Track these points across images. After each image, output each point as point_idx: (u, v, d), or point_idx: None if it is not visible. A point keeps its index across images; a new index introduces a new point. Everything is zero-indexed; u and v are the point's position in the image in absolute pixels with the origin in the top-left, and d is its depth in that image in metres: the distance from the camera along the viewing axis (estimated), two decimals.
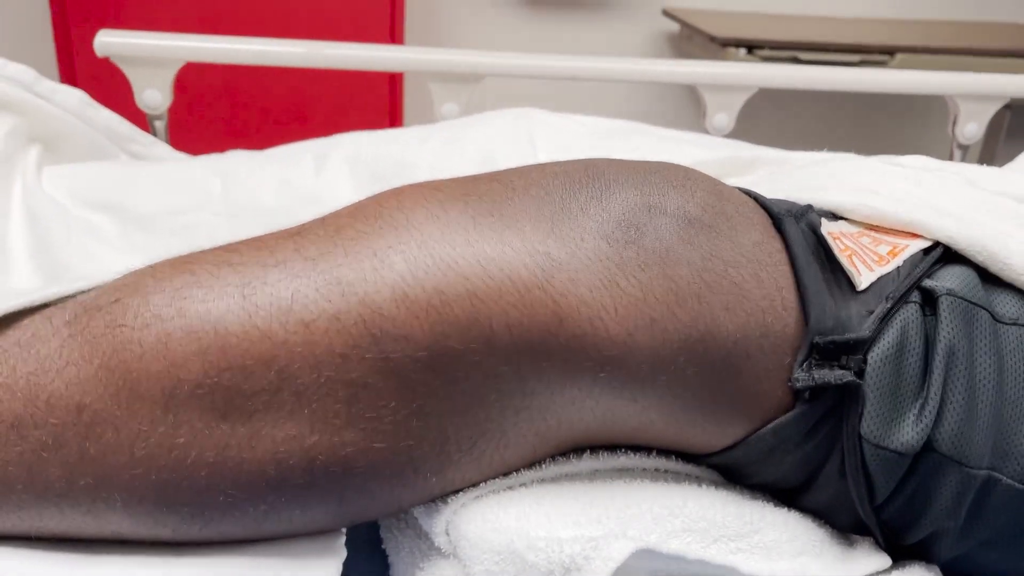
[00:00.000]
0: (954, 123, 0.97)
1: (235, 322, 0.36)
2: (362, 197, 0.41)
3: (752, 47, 1.62)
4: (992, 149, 1.90)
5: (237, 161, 0.74)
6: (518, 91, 1.18)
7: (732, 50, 1.62)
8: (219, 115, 1.35)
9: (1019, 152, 0.75)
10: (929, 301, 0.41)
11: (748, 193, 0.44)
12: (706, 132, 0.95)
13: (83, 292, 0.40)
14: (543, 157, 0.68)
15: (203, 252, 0.39)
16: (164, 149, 0.85)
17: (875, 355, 0.39)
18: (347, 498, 0.38)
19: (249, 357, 0.36)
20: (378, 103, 1.56)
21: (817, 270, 0.41)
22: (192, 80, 1.04)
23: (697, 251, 0.39)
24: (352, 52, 0.85)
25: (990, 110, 0.97)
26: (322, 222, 0.40)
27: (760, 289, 0.39)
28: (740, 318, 0.39)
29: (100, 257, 0.67)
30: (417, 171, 0.69)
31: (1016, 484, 0.40)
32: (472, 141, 0.71)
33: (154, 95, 0.86)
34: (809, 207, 0.44)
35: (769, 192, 0.48)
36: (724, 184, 0.43)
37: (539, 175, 0.41)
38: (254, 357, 0.36)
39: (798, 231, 0.42)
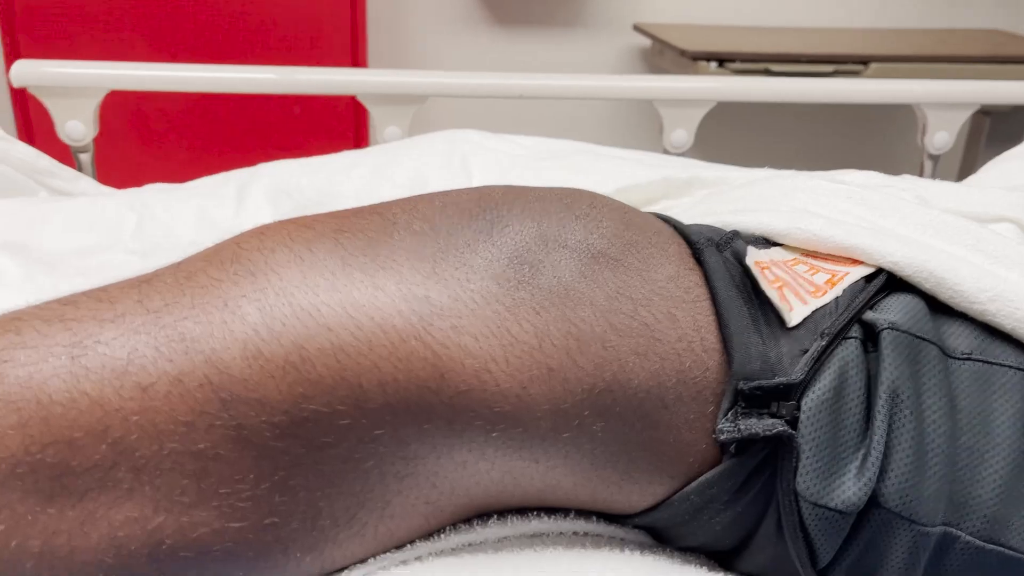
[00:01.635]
0: (923, 132, 0.93)
1: (60, 388, 0.31)
2: None
3: (723, 60, 1.58)
4: (973, 157, 1.86)
5: (154, 195, 0.70)
6: (472, 113, 1.14)
7: (703, 64, 1.59)
8: (152, 146, 1.31)
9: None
10: (871, 336, 0.36)
11: (666, 220, 0.40)
12: (664, 150, 0.91)
13: None
14: (478, 182, 0.64)
15: (38, 306, 0.34)
16: (88, 184, 0.81)
17: (810, 400, 0.35)
18: None
19: (77, 428, 0.31)
20: (341, 130, 1.52)
21: (741, 305, 0.36)
22: (122, 109, 1.00)
23: (602, 289, 0.34)
24: (280, 77, 0.81)
25: (960, 118, 0.93)
26: (176, 267, 0.35)
27: (676, 330, 0.35)
28: (653, 364, 0.34)
29: (2, 301, 0.62)
30: (343, 200, 0.64)
31: (976, 541, 0.35)
32: (403, 167, 0.67)
33: (76, 126, 0.81)
34: (735, 233, 0.39)
35: (701, 217, 0.44)
36: (636, 211, 0.38)
37: (426, 207, 0.36)
38: (83, 428, 0.31)
39: (719, 262, 0.37)
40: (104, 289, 0.35)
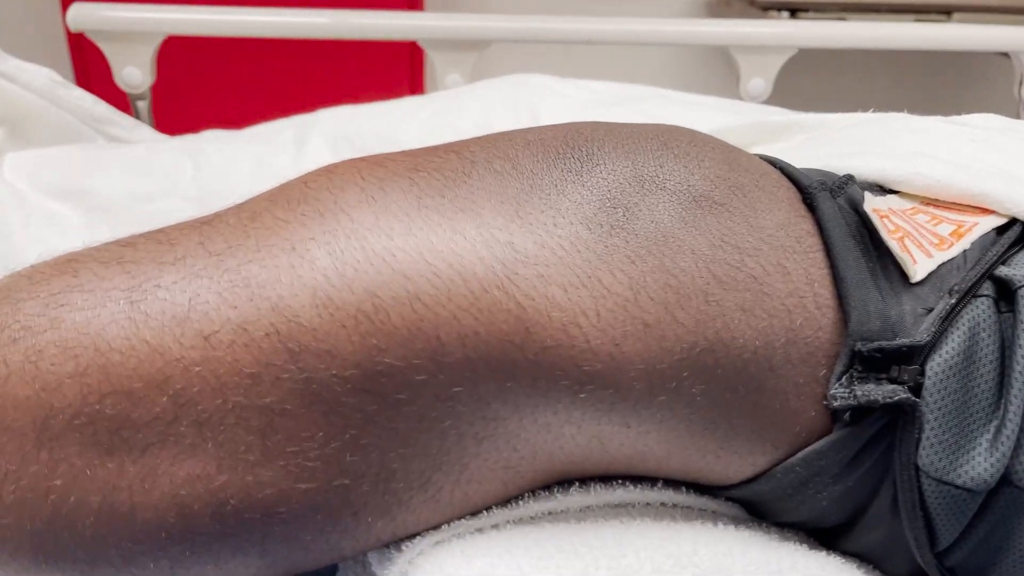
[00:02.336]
0: (1020, 83, 0.86)
1: (119, 335, 0.29)
2: None
3: (796, 9, 1.50)
4: None
5: (211, 142, 0.68)
6: (531, 60, 1.10)
7: (774, 14, 1.51)
8: (210, 94, 1.29)
9: None
10: (1005, 294, 0.32)
11: (771, 162, 0.36)
12: (740, 99, 0.85)
13: None
14: None
15: (96, 247, 0.32)
16: (147, 132, 0.79)
17: (935, 365, 0.31)
18: (271, 549, 0.31)
19: (137, 378, 0.29)
20: (396, 78, 1.48)
21: (859, 257, 0.32)
22: (179, 56, 0.98)
23: (704, 236, 0.31)
24: (338, 21, 0.78)
25: None
26: (239, 208, 0.32)
27: (786, 284, 0.31)
28: (761, 321, 0.31)
29: (61, 249, 0.61)
30: (405, 146, 0.61)
31: None
32: (466, 112, 0.63)
33: (134, 73, 0.80)
34: (849, 178, 0.35)
35: (802, 161, 0.40)
36: (739, 151, 0.35)
37: (507, 144, 0.33)
38: (143, 378, 0.29)
39: (834, 208, 0.33)
40: (164, 231, 0.32)
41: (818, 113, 0.49)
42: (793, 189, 0.34)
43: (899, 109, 0.49)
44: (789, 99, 0.85)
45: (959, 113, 0.44)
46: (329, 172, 0.32)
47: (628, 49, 1.45)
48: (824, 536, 0.36)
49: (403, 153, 0.34)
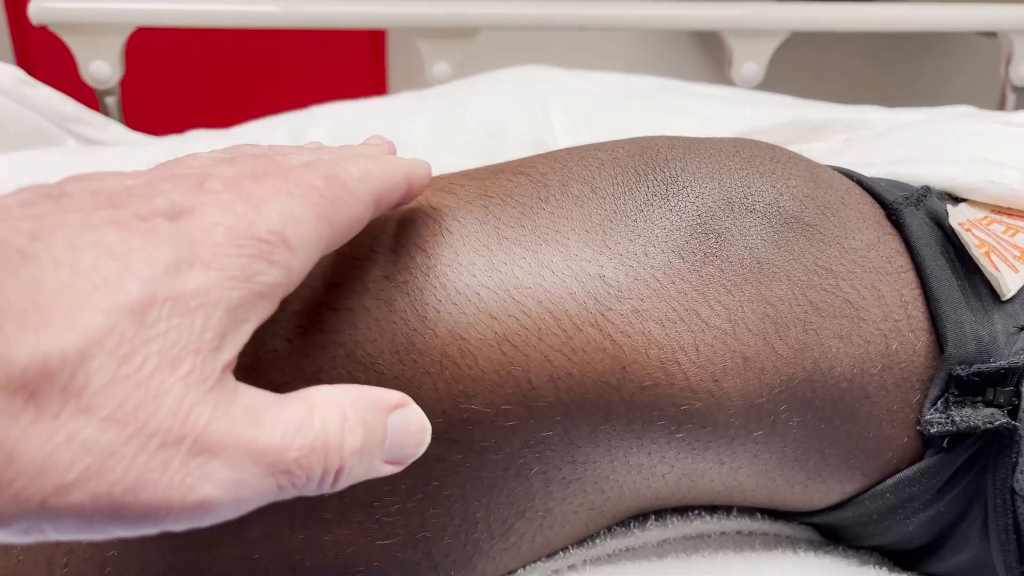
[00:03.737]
0: (1007, 62, 0.86)
1: None
2: None
3: None
4: None
5: (199, 143, 0.64)
6: (517, 47, 1.07)
7: None
8: (180, 87, 1.23)
9: None
10: None
11: (848, 174, 0.34)
12: (732, 84, 0.84)
13: None
14: (558, 126, 0.58)
15: None
16: (119, 130, 0.74)
17: None
18: None
19: None
20: (359, 68, 1.43)
21: (950, 275, 0.31)
22: (147, 48, 0.92)
23: (799, 261, 0.29)
24: (317, 10, 0.74)
25: None
26: None
27: (881, 307, 0.30)
28: (857, 348, 0.29)
29: None
30: (410, 148, 0.58)
31: None
32: (473, 109, 0.61)
33: (101, 67, 0.75)
34: (927, 190, 0.34)
35: (856, 167, 0.38)
36: (820, 166, 0.33)
37: (579, 164, 0.31)
38: None
39: (921, 224, 0.32)
40: None
41: (854, 109, 0.47)
42: (876, 205, 0.32)
43: (892, 90, 0.49)
44: (781, 83, 0.84)
45: (949, 93, 0.44)
46: None
47: (613, 34, 1.43)
48: (903, 558, 0.35)
49: (465, 175, 0.31)
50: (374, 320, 0.27)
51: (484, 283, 0.27)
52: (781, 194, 0.30)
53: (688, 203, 0.29)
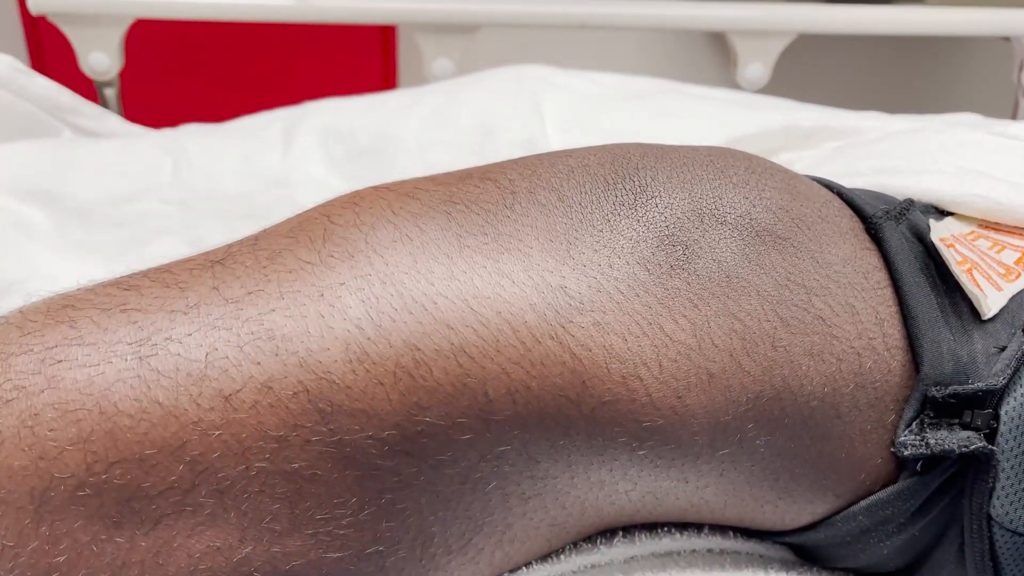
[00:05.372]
0: (1020, 68, 0.85)
1: (127, 395, 0.26)
2: (335, 179, 0.31)
3: None
4: None
5: (191, 137, 0.63)
6: (520, 44, 1.06)
7: None
8: (181, 80, 1.23)
9: None
10: None
11: (828, 185, 0.33)
12: (737, 87, 0.83)
13: None
14: (552, 127, 0.57)
15: (91, 289, 0.29)
16: (116, 121, 0.74)
17: (1011, 409, 0.29)
18: None
19: (149, 444, 0.25)
20: (369, 65, 1.42)
21: (929, 293, 0.30)
22: (149, 40, 0.92)
23: (769, 275, 0.28)
24: (319, 5, 0.73)
25: None
26: (254, 245, 0.29)
27: (855, 325, 0.29)
28: (829, 366, 0.28)
29: (32, 258, 0.57)
30: (401, 145, 0.58)
31: None
32: (466, 108, 0.60)
33: (100, 58, 0.74)
34: (910, 203, 0.33)
35: (842, 176, 0.38)
36: (798, 176, 0.32)
37: (549, 171, 0.30)
38: (156, 444, 0.25)
39: (901, 239, 0.31)
40: (170, 270, 0.29)
41: (845, 115, 0.46)
42: (855, 218, 0.31)
43: (901, 95, 0.47)
44: (788, 86, 0.82)
45: (960, 98, 0.43)
46: (355, 205, 0.29)
47: (619, 33, 1.42)
48: None
49: (431, 180, 0.31)
50: (328, 327, 0.26)
51: (442, 292, 0.26)
52: (754, 206, 0.29)
53: (656, 213, 0.28)
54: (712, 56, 1.48)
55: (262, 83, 1.27)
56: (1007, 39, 0.86)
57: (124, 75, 0.78)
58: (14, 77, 0.68)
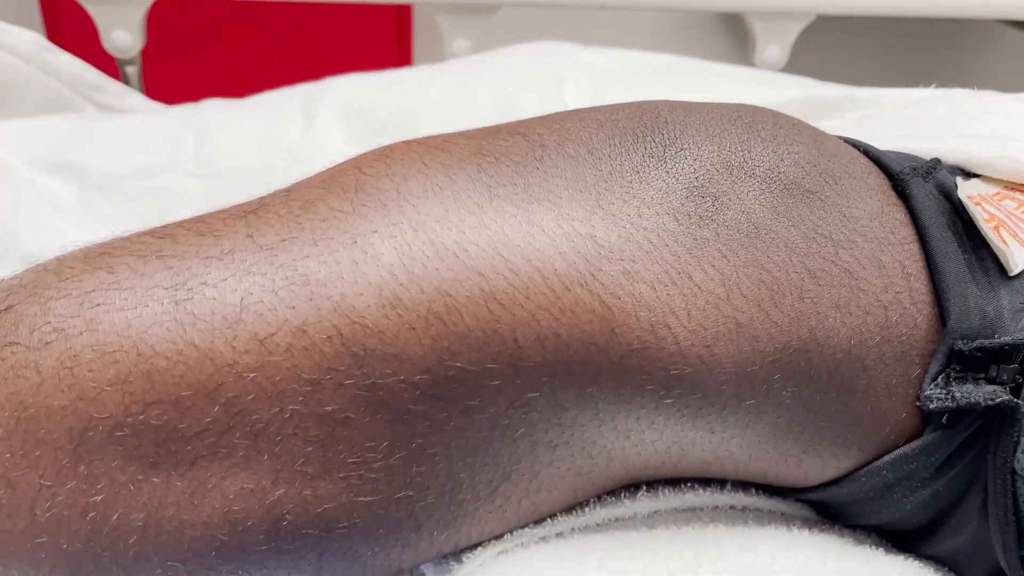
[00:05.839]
0: None
1: (164, 338, 0.26)
2: (357, 153, 0.31)
3: None
4: None
5: (213, 112, 0.64)
6: (538, 25, 1.06)
7: None
8: (202, 59, 1.23)
9: None
10: None
11: (855, 144, 0.33)
12: (755, 68, 0.83)
13: None
14: (572, 102, 0.57)
15: (128, 238, 0.29)
16: (138, 99, 0.75)
17: None
18: (327, 565, 0.28)
19: (185, 386, 0.26)
20: (384, 43, 1.43)
21: (956, 248, 0.30)
22: (170, 18, 0.93)
23: (797, 228, 0.28)
24: None
25: None
26: (287, 195, 0.30)
27: (881, 278, 0.29)
28: (855, 319, 0.28)
29: (56, 229, 0.57)
30: (422, 121, 0.58)
31: None
32: (487, 84, 0.60)
33: (123, 36, 0.75)
34: (937, 162, 0.33)
35: (869, 142, 0.38)
36: (826, 134, 0.32)
37: (577, 125, 0.30)
38: (191, 386, 0.26)
39: (928, 196, 0.31)
40: (204, 220, 0.29)
41: (867, 88, 0.46)
42: (882, 175, 0.32)
43: (920, 79, 0.47)
44: (805, 69, 0.82)
45: (980, 82, 0.43)
46: (386, 156, 0.29)
47: (636, 15, 1.41)
48: (900, 538, 0.34)
49: (462, 135, 0.31)
50: (361, 273, 0.26)
51: (473, 240, 0.27)
52: (782, 159, 0.29)
53: (686, 165, 0.29)
54: (729, 38, 1.47)
55: (280, 63, 1.27)
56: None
57: (146, 53, 0.79)
58: (39, 53, 0.69)
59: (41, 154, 0.61)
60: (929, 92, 0.43)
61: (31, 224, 0.57)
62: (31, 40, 0.69)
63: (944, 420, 0.29)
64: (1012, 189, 0.34)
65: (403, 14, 1.35)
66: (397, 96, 0.61)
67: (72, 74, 0.71)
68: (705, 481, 0.33)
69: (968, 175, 0.35)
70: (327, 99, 0.62)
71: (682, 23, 1.48)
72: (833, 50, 1.23)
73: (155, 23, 0.78)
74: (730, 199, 0.28)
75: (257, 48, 1.26)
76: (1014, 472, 0.29)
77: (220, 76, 1.25)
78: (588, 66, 0.60)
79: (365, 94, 0.61)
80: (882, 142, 0.38)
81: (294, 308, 0.26)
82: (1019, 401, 0.29)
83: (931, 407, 0.29)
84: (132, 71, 0.79)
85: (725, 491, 0.33)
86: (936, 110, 0.39)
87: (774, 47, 0.81)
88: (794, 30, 0.81)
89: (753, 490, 0.34)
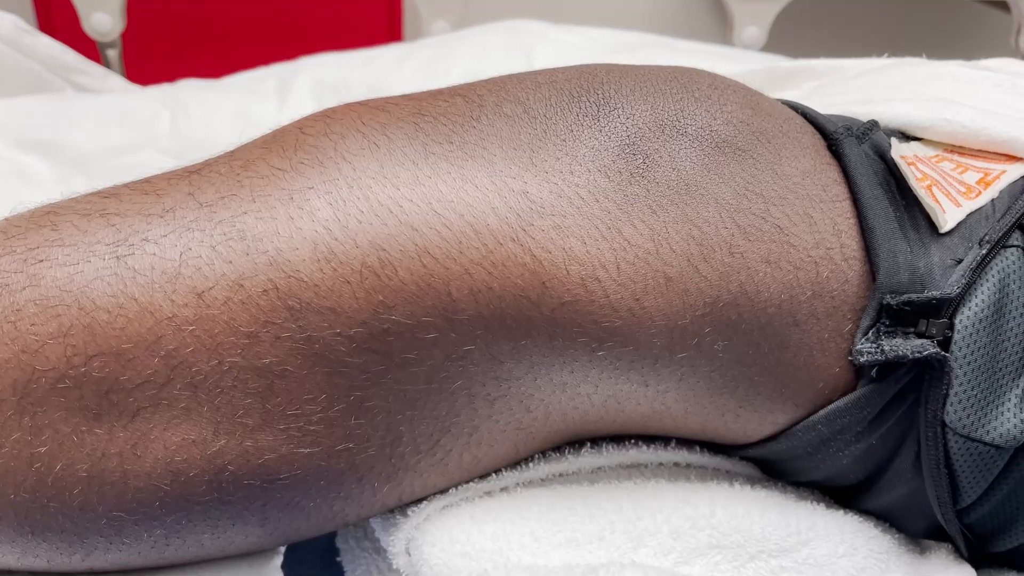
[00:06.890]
0: (1018, 32, 0.85)
1: (105, 292, 0.27)
2: None
3: None
4: None
5: (189, 91, 0.64)
6: (515, 7, 1.06)
7: None
8: (183, 42, 1.24)
9: None
10: None
11: (793, 107, 0.34)
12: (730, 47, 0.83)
13: None
14: None
15: (75, 199, 0.30)
16: (118, 81, 0.76)
17: (965, 318, 0.30)
18: (271, 517, 0.29)
19: (125, 339, 0.27)
20: (374, 26, 1.43)
21: (887, 206, 0.31)
22: (150, 1, 0.93)
23: (728, 185, 0.29)
24: None
25: None
26: (230, 156, 0.30)
27: (812, 234, 0.30)
28: (786, 274, 0.29)
29: (32, 205, 0.58)
30: None
31: None
32: (459, 61, 0.61)
33: (103, 19, 0.76)
34: (874, 124, 0.33)
35: (818, 108, 0.38)
36: (761, 95, 0.33)
37: (516, 87, 0.31)
38: (132, 339, 0.27)
39: (861, 155, 0.31)
40: (149, 180, 0.30)
41: (826, 60, 0.47)
42: (817, 135, 0.32)
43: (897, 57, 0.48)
44: (784, 49, 0.83)
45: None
46: (327, 117, 0.30)
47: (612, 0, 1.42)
48: (840, 494, 0.35)
49: (404, 97, 0.31)
50: (297, 228, 0.27)
51: (407, 196, 0.27)
52: (715, 118, 0.30)
53: (618, 124, 0.29)
54: (708, 19, 1.47)
55: (264, 48, 1.28)
56: (1006, 5, 0.86)
57: (126, 36, 0.80)
58: (18, 36, 0.69)
59: (18, 132, 0.61)
60: (884, 60, 0.43)
61: (6, 200, 0.58)
62: (10, 23, 0.69)
63: (874, 373, 0.30)
64: (952, 151, 0.34)
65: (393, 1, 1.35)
66: (370, 73, 0.62)
67: (52, 56, 0.71)
68: (649, 438, 0.34)
69: (910, 139, 0.35)
70: (301, 77, 0.62)
71: (662, 5, 1.48)
72: (811, 31, 1.23)
73: (135, 6, 0.79)
74: (661, 157, 0.29)
75: (240, 33, 1.26)
76: (944, 424, 0.30)
77: (202, 60, 1.26)
78: (558, 43, 0.61)
79: (338, 71, 0.62)
80: (832, 108, 0.38)
81: (231, 263, 0.27)
82: (947, 354, 0.29)
83: (861, 360, 0.30)
84: (113, 54, 0.80)
85: (669, 448, 0.34)
86: (885, 76, 0.39)
87: (752, 28, 0.82)
88: (772, 11, 0.82)
89: (697, 447, 0.34)
